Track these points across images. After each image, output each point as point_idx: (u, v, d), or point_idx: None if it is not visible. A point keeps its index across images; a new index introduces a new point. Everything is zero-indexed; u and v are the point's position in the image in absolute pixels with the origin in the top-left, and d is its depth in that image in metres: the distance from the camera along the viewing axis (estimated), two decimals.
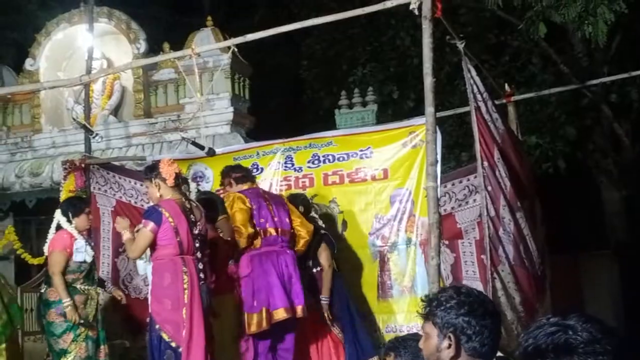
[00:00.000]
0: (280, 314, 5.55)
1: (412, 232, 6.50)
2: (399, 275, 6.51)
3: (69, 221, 6.00)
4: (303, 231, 5.94)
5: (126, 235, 5.24)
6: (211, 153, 6.60)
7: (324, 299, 6.08)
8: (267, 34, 5.41)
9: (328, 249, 6.17)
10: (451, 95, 12.27)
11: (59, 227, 6.07)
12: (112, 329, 6.59)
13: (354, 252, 6.68)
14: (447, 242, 6.37)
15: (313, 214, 6.50)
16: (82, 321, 5.88)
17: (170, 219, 5.03)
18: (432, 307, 2.41)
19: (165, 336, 5.02)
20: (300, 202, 6.29)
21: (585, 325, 1.49)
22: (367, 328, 6.29)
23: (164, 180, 5.15)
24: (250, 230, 5.65)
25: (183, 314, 4.97)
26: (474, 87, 4.96)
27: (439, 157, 4.64)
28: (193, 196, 6.11)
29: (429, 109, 4.25)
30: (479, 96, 4.99)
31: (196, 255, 5.15)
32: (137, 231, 5.25)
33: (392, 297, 6.50)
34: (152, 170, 5.26)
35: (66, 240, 5.97)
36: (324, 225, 6.49)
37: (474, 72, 5.01)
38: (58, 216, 6.11)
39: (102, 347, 6.03)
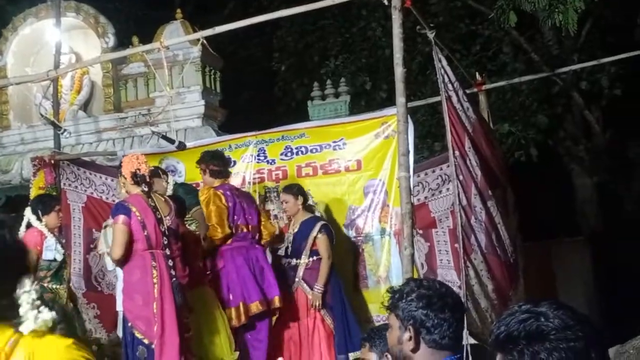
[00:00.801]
0: (256, 307, 5.72)
1: (386, 223, 6.52)
2: (374, 265, 6.52)
3: (39, 219, 5.94)
4: (265, 232, 6.19)
5: None
6: (181, 147, 6.55)
7: (319, 288, 6.09)
8: (236, 26, 5.37)
9: (327, 239, 6.21)
10: (423, 86, 12.30)
11: (29, 226, 5.99)
12: (85, 326, 6.51)
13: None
14: (421, 232, 6.40)
15: (311, 202, 6.54)
16: None
17: (137, 213, 5.06)
18: (394, 299, 2.43)
19: (137, 333, 5.01)
20: (297, 191, 6.31)
21: (557, 312, 1.49)
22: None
23: (125, 177, 5.23)
24: (227, 230, 5.82)
25: (154, 309, 4.97)
26: (445, 76, 4.96)
27: (411, 147, 4.66)
28: (170, 188, 6.08)
29: (400, 99, 4.25)
30: (449, 86, 4.99)
31: (165, 250, 5.13)
32: (105, 228, 5.27)
33: (368, 287, 6.51)
34: (118, 167, 5.43)
35: (36, 238, 5.91)
36: (324, 215, 6.50)
37: (444, 62, 5.01)
38: (28, 214, 6.04)
39: None
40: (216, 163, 6.12)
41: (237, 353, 5.67)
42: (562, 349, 1.44)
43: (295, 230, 6.23)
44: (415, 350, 2.33)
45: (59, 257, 5.97)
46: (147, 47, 6.13)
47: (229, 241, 5.90)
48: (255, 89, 14.67)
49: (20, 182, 9.35)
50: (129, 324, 5.06)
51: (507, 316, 1.55)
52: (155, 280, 5.02)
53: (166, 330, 4.96)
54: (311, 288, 6.09)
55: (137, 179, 5.17)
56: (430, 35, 5.01)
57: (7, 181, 9.51)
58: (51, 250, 5.90)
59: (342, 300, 6.18)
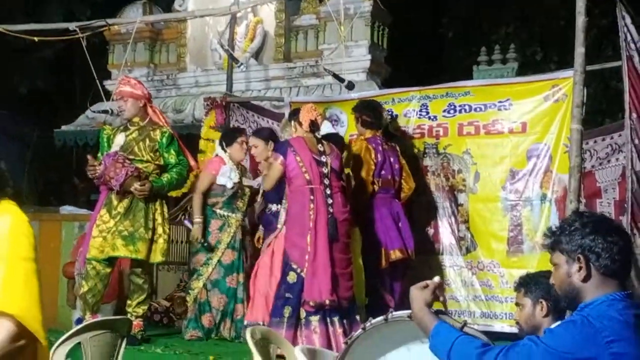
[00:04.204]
0: (395, 254, 5.94)
1: (548, 189, 6.29)
2: (531, 231, 6.34)
3: (224, 149, 6.23)
4: (405, 187, 6.28)
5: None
6: (350, 86, 6.70)
7: None
8: None
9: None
10: (597, 60, 11.73)
11: (216, 155, 6.36)
12: None
13: (485, 205, 6.57)
14: (584, 200, 6.15)
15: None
16: (202, 241, 6.05)
17: (294, 152, 5.41)
18: (556, 235, 2.38)
19: (290, 260, 5.33)
20: (268, 136, 6.20)
21: None
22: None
23: (300, 123, 5.58)
24: (370, 188, 6.04)
25: (307, 240, 5.27)
26: (628, 34, 4.72)
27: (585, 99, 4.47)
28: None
29: (579, 49, 4.09)
30: (632, 45, 4.74)
31: (324, 187, 5.39)
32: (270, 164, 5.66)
33: (523, 252, 6.35)
34: (294, 114, 5.82)
35: (215, 164, 6.21)
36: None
37: (628, 20, 4.76)
38: (217, 145, 6.42)
39: (234, 274, 6.13)
40: (368, 114, 6.23)
41: (367, 299, 5.82)
42: None
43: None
44: (586, 279, 2.27)
45: (229, 184, 6.13)
46: None
47: (375, 190, 6.09)
48: (421, 52, 14.57)
49: (192, 121, 9.88)
50: (286, 252, 5.39)
51: None
52: (311, 214, 5.31)
53: (317, 261, 5.22)
54: None
55: (313, 127, 5.55)
56: None
57: (180, 120, 10.05)
58: (224, 177, 6.13)
59: None
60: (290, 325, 5.22)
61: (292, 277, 5.30)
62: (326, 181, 5.43)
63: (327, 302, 5.18)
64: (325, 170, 5.45)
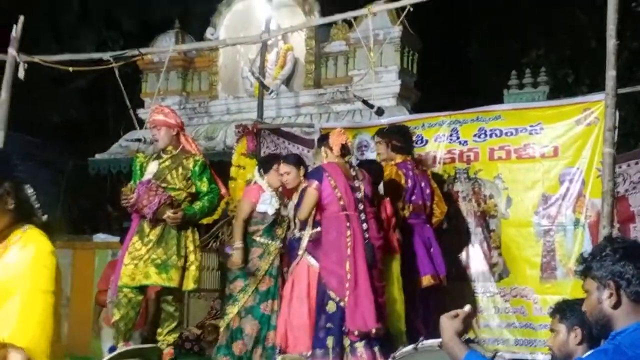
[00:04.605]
0: (428, 280, 5.92)
1: (581, 214, 6.22)
2: (564, 256, 6.26)
3: (261, 176, 6.24)
4: (437, 211, 6.26)
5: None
6: (380, 112, 6.70)
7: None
8: None
9: None
10: (629, 82, 11.62)
11: (254, 182, 6.38)
12: None
13: (517, 230, 6.51)
14: (618, 225, 6.07)
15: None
16: (243, 266, 5.99)
17: (330, 178, 5.32)
18: (587, 261, 2.37)
19: (329, 290, 5.22)
20: (299, 162, 6.02)
21: None
22: None
23: (330, 148, 5.50)
24: (402, 212, 6.02)
25: (346, 267, 5.17)
26: None
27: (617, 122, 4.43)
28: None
29: (610, 72, 4.08)
30: None
31: (359, 213, 5.33)
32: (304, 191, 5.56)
33: (556, 278, 6.26)
34: (323, 139, 5.70)
35: (255, 192, 6.19)
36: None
37: None
38: (255, 172, 6.43)
39: (268, 301, 6.04)
40: (398, 138, 6.20)
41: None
42: None
43: (296, 201, 5.87)
44: (617, 305, 2.25)
45: (271, 211, 6.05)
46: (355, 13, 6.19)
47: (406, 216, 6.08)
48: (451, 77, 14.57)
49: (223, 148, 9.96)
50: (323, 281, 5.27)
51: None
52: (348, 241, 5.23)
53: (359, 289, 5.12)
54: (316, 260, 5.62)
55: (344, 151, 5.50)
56: None
57: (212, 147, 10.14)
58: (265, 204, 6.06)
59: None
60: (335, 355, 5.12)
61: (331, 307, 5.18)
62: (360, 207, 5.37)
63: (374, 330, 5.09)
64: (359, 195, 5.40)
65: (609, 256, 2.29)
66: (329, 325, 5.16)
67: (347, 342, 5.16)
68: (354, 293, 5.11)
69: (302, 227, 5.67)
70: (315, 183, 5.35)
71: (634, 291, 2.24)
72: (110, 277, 6.90)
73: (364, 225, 5.33)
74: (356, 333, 5.08)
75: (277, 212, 6.11)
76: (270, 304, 6.05)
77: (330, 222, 5.36)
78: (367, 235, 5.30)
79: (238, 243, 6.04)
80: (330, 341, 5.14)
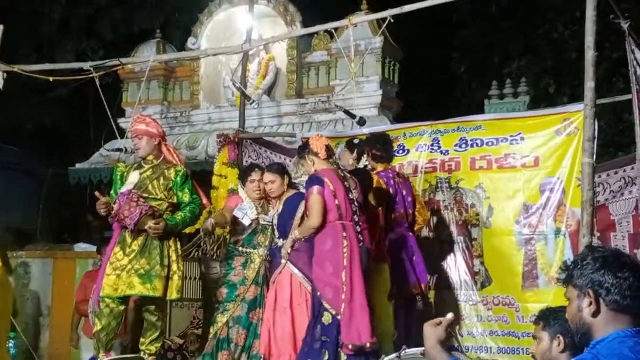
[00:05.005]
0: (410, 290, 5.91)
1: (562, 223, 6.29)
2: (546, 265, 6.32)
3: (242, 187, 6.24)
4: (420, 218, 6.25)
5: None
6: (362, 122, 6.70)
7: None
8: (424, 5, 5.38)
9: None
10: (608, 93, 11.75)
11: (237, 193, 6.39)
12: None
13: (499, 239, 6.56)
14: (598, 234, 6.13)
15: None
16: (227, 273, 6.03)
17: (330, 184, 5.17)
18: (569, 269, 2.38)
19: (324, 301, 5.06)
20: (283, 171, 5.98)
21: None
22: None
23: (316, 154, 5.34)
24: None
25: (343, 278, 5.02)
26: (638, 68, 4.74)
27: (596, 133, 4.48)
28: None
29: (589, 83, 4.12)
30: None
31: (354, 221, 5.21)
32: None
33: (538, 287, 6.32)
34: (304, 149, 5.51)
35: (233, 202, 6.19)
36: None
37: (638, 54, 4.78)
38: (239, 183, 6.45)
39: (256, 310, 5.98)
40: (378, 148, 6.15)
41: (396, 332, 5.71)
42: None
43: (280, 210, 5.84)
44: (596, 314, 2.26)
45: (247, 222, 6.03)
46: (336, 24, 6.14)
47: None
48: (433, 87, 14.65)
49: (205, 158, 9.92)
50: (318, 293, 5.12)
51: None
52: (345, 251, 5.06)
53: (355, 301, 4.98)
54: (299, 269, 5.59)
55: (329, 152, 5.34)
56: (625, 25, 4.81)
57: (194, 157, 10.10)
58: (242, 211, 6.03)
59: None
60: None
61: (327, 319, 5.02)
62: (356, 218, 5.23)
63: (368, 345, 4.93)
64: (354, 205, 5.25)
65: (589, 265, 2.30)
66: (324, 338, 5.01)
67: (343, 357, 4.99)
68: (350, 306, 4.96)
69: (284, 236, 5.59)
70: (316, 188, 5.15)
71: (613, 300, 2.25)
72: (88, 288, 6.84)
73: (360, 237, 5.16)
74: (350, 347, 4.93)
75: (257, 221, 6.11)
76: (258, 312, 6.02)
77: (326, 231, 5.17)
78: (361, 238, 5.17)
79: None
80: (325, 354, 4.99)
